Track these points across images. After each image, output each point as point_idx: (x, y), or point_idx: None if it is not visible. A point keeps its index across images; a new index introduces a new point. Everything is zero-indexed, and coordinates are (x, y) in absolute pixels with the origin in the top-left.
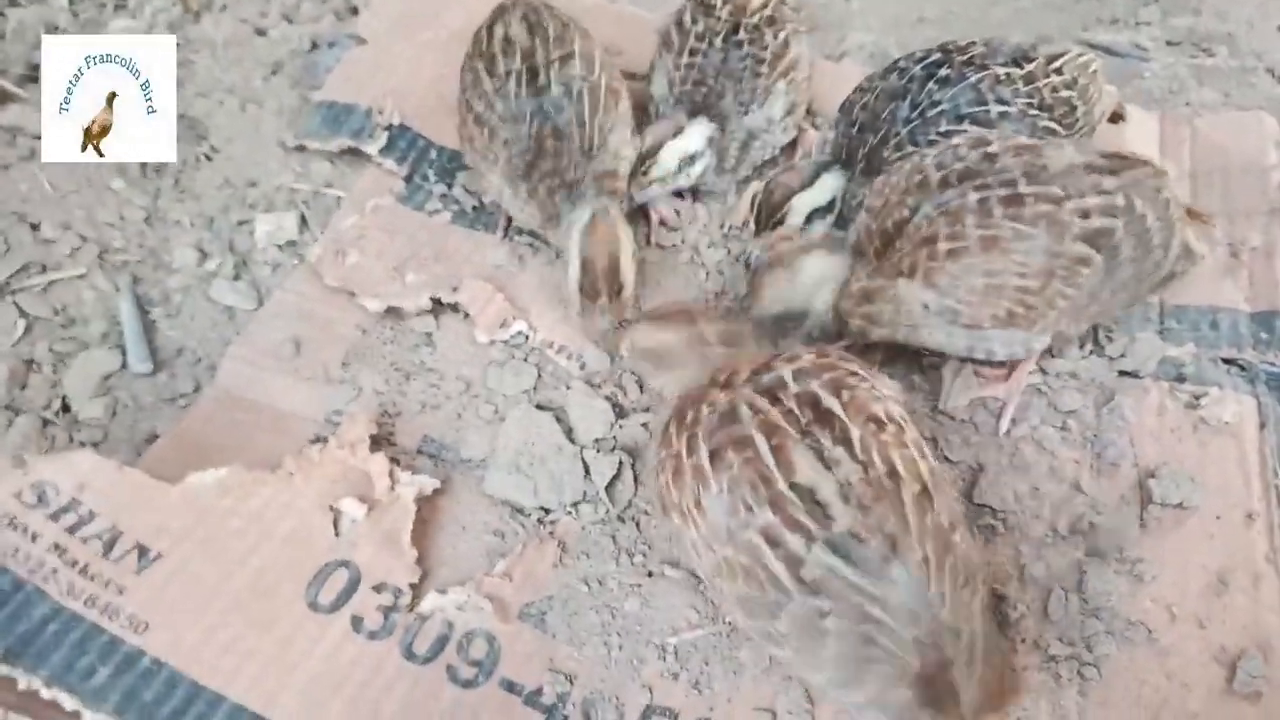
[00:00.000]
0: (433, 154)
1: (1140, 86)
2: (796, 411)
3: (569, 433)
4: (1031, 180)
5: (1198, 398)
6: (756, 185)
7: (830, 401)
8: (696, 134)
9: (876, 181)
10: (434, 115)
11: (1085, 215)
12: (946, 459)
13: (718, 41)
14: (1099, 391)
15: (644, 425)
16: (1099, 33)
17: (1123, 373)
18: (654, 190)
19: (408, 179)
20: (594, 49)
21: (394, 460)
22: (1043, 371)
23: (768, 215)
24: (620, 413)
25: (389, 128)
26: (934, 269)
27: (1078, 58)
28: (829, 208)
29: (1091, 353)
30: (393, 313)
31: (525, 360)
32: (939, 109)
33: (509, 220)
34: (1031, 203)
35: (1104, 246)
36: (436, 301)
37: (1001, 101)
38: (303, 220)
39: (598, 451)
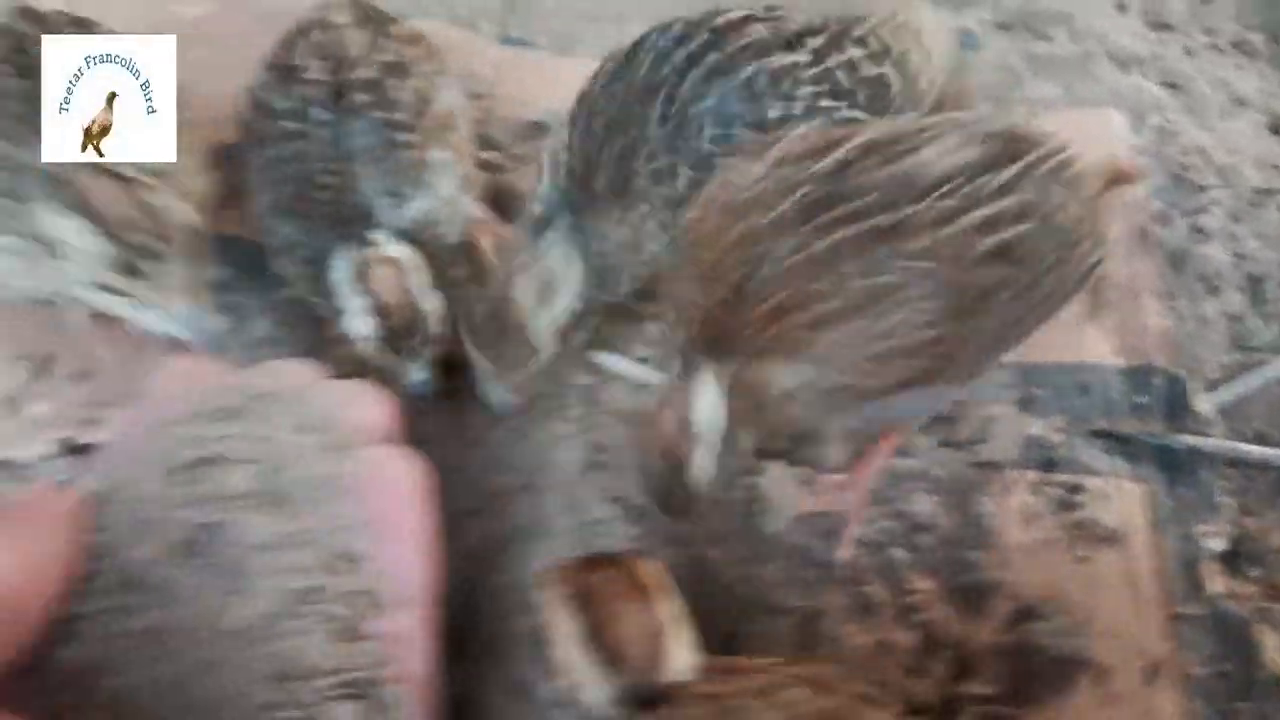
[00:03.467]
0: None
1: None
2: None
3: None
4: (913, 195)
5: (1073, 492)
6: None
7: None
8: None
9: (683, 231)
10: None
11: (992, 227)
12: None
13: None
14: (953, 492)
15: None
16: None
17: (980, 464)
18: None
19: None
20: None
21: None
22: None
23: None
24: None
25: None
26: (802, 340)
27: (893, 18)
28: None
29: (941, 444)
30: (3, 466)
31: None
32: (703, 106)
33: None
34: (923, 227)
35: (1023, 258)
36: (72, 446)
37: (784, 98)
38: None
39: None
